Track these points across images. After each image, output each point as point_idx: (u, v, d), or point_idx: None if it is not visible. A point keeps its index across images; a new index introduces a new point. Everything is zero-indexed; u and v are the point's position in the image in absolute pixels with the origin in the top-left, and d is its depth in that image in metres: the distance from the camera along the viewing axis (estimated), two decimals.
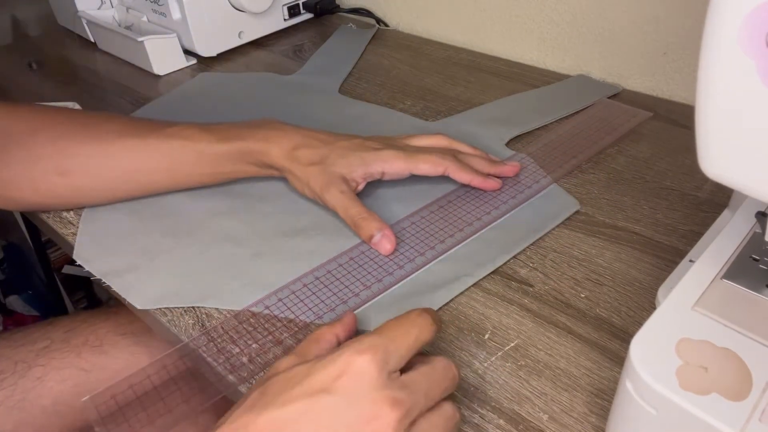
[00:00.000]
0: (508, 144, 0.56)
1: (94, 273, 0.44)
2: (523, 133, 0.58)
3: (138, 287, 0.42)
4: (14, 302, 1.12)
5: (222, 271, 0.43)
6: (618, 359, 0.36)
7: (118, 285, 0.43)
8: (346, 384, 0.27)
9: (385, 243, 0.43)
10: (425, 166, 0.47)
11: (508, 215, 0.47)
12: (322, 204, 0.47)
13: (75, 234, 0.48)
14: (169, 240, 0.46)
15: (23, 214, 0.81)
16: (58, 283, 1.03)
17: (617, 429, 0.29)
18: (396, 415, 0.26)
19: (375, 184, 0.50)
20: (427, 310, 0.31)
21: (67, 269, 1.05)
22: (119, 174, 0.48)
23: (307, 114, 0.63)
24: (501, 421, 0.33)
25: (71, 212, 0.50)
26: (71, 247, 0.47)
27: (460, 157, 0.49)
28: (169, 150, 0.47)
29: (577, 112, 0.60)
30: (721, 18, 0.23)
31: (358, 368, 0.27)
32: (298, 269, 0.43)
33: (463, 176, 0.48)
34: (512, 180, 0.50)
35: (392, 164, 0.47)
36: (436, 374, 0.29)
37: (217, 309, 0.40)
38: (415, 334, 0.30)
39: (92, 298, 1.12)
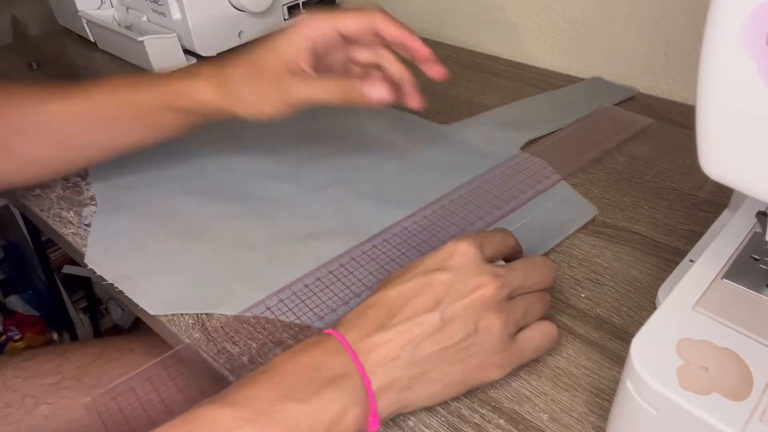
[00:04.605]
0: (523, 148, 0.55)
1: (105, 278, 0.43)
2: (538, 137, 0.57)
3: (150, 292, 0.41)
4: (14, 302, 1.12)
5: (234, 276, 0.43)
6: (618, 359, 0.36)
7: (130, 290, 0.42)
8: (455, 262, 0.32)
9: (378, 89, 0.41)
10: (351, 21, 0.42)
11: (525, 220, 0.46)
12: (290, 107, 0.42)
13: (75, 234, 0.48)
14: (181, 244, 0.46)
15: (23, 214, 0.81)
16: (58, 283, 1.03)
17: (617, 429, 0.29)
18: (497, 284, 0.31)
19: (372, 186, 0.49)
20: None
21: (67, 269, 1.04)
22: (56, 141, 0.46)
23: (314, 115, 0.62)
24: (501, 421, 0.33)
25: (71, 212, 0.50)
26: (71, 247, 0.47)
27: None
28: (93, 109, 0.45)
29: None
30: (721, 18, 0.23)
31: (463, 249, 0.33)
32: None
33: (394, 30, 0.43)
34: (515, 179, 0.50)
35: (313, 26, 0.42)
36: (533, 262, 0.35)
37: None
38: (500, 236, 0.36)
39: (92, 298, 1.11)
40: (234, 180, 0.53)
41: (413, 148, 0.56)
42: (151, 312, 0.40)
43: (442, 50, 0.76)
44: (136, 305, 0.41)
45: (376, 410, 0.29)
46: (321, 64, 0.44)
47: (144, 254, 0.45)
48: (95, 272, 0.43)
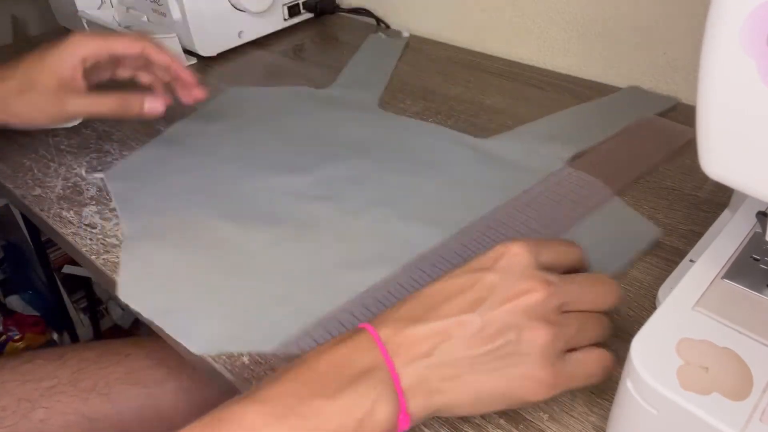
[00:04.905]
0: (568, 162, 0.52)
1: (143, 314, 0.40)
2: (582, 151, 0.54)
3: (191, 329, 0.38)
4: (14, 302, 1.12)
5: (275, 304, 0.40)
6: (618, 359, 0.36)
7: (170, 327, 0.39)
8: (504, 264, 0.30)
9: (154, 104, 0.48)
10: (123, 44, 0.49)
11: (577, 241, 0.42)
12: (67, 118, 0.49)
13: (75, 234, 0.47)
14: (220, 275, 0.43)
15: (23, 214, 0.81)
16: (58, 283, 1.03)
17: (618, 429, 0.29)
18: (546, 291, 0.29)
19: (411, 206, 0.48)
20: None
21: (67, 269, 1.04)
22: None
23: (347, 131, 0.59)
24: (501, 421, 0.33)
25: (71, 212, 0.50)
26: (71, 247, 0.47)
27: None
28: None
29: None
30: (722, 18, 0.23)
31: (514, 251, 0.31)
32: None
33: (162, 56, 0.50)
34: (562, 195, 0.47)
35: (87, 46, 0.47)
36: (594, 278, 0.32)
37: None
38: (563, 246, 0.33)
39: (92, 298, 1.11)
40: (267, 200, 0.50)
41: (451, 164, 0.53)
42: (195, 351, 0.37)
43: (442, 50, 0.76)
44: (178, 343, 0.38)
45: (407, 409, 0.28)
46: (89, 78, 0.49)
47: (180, 287, 0.42)
48: (131, 307, 0.40)
